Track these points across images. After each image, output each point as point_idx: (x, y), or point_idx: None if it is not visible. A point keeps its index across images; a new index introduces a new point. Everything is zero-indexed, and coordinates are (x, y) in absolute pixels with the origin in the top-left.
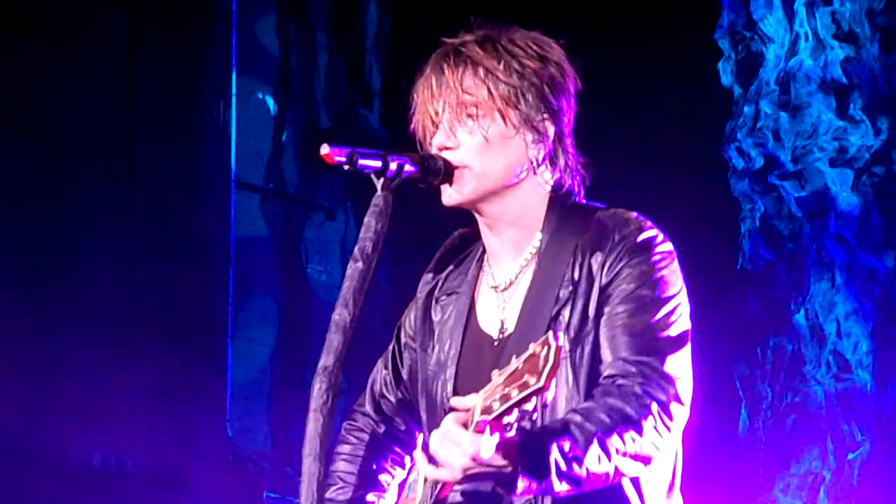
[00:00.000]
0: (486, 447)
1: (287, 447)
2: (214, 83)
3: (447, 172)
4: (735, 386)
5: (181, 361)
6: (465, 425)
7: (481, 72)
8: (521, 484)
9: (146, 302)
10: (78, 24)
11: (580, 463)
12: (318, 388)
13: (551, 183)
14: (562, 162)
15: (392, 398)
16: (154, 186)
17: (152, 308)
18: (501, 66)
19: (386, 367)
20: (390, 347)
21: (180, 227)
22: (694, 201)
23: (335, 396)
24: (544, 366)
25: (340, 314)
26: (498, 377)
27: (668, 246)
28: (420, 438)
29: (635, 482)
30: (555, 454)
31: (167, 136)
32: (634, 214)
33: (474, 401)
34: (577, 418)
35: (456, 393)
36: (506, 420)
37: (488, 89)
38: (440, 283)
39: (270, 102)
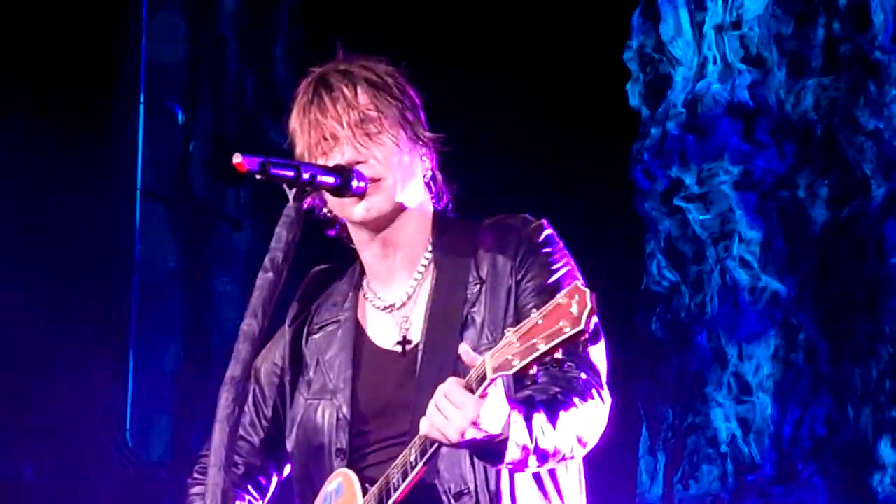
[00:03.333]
0: (489, 412)
1: (188, 458)
2: (122, 91)
3: (363, 186)
4: (636, 406)
5: (82, 369)
6: (469, 389)
7: (374, 90)
8: (510, 454)
9: (49, 310)
10: None
11: (551, 437)
12: (226, 399)
13: (433, 203)
14: (440, 181)
15: (254, 440)
16: (60, 194)
17: (54, 315)
18: (388, 88)
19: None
20: (248, 389)
21: (85, 235)
22: (600, 220)
23: (242, 406)
24: (581, 310)
25: (249, 324)
26: (512, 335)
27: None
28: (275, 481)
29: (553, 477)
30: (536, 426)
31: (74, 144)
32: (528, 215)
33: (481, 361)
34: (541, 395)
35: (355, 413)
36: (531, 372)
37: (385, 106)
38: (310, 317)
39: (178, 111)
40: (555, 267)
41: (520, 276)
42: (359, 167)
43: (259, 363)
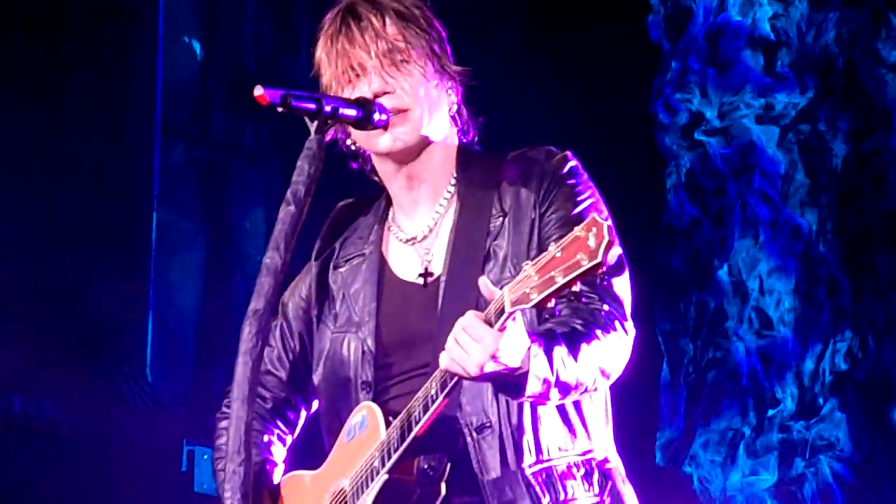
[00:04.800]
0: (508, 345)
1: (208, 395)
2: (141, 28)
3: (385, 118)
4: (657, 341)
5: (102, 305)
6: (488, 322)
7: (402, 21)
8: (531, 387)
9: (69, 246)
10: None
11: (572, 370)
12: (248, 332)
13: (458, 136)
14: (465, 115)
15: (281, 374)
16: (81, 130)
17: (74, 251)
18: (415, 20)
19: (270, 345)
20: (275, 324)
21: (105, 171)
22: (620, 155)
23: (265, 340)
24: (599, 242)
25: (272, 257)
26: (530, 268)
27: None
28: (303, 416)
29: (578, 409)
30: (557, 359)
31: (93, 81)
32: (552, 147)
33: (499, 294)
34: (562, 328)
35: (379, 346)
36: (549, 305)
37: (413, 37)
38: (336, 252)
39: (197, 47)
40: (580, 198)
41: (544, 209)
42: (386, 97)
43: (286, 298)
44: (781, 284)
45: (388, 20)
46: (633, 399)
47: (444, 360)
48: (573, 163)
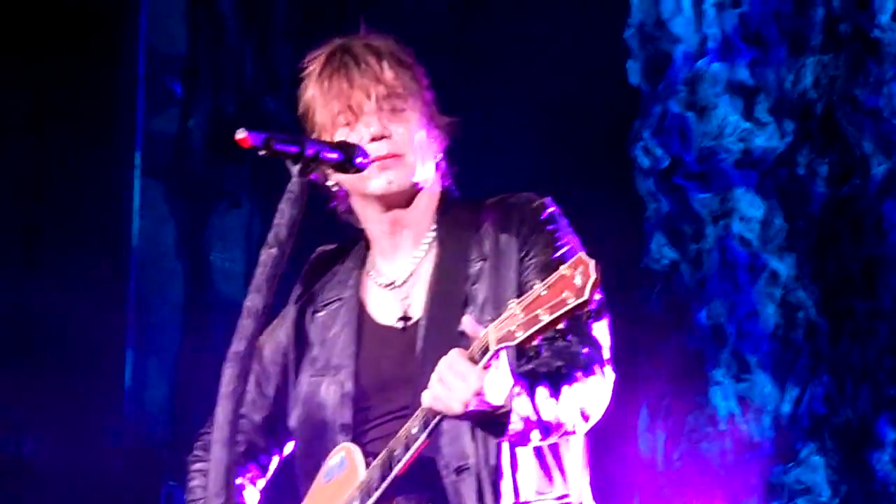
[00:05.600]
0: (492, 383)
1: (188, 434)
2: (122, 68)
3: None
4: (636, 384)
5: (81, 345)
6: (472, 360)
7: (401, 68)
8: (513, 426)
9: (49, 286)
10: None
11: (553, 410)
12: (229, 374)
13: (441, 182)
14: (445, 162)
15: (256, 417)
16: (59, 171)
17: (54, 292)
18: (411, 67)
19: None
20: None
21: (86, 210)
22: (599, 198)
23: (245, 382)
24: (585, 281)
25: (253, 300)
26: (516, 307)
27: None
28: (275, 460)
29: (555, 453)
30: (539, 399)
31: (73, 119)
32: (532, 193)
33: (484, 332)
34: (544, 370)
35: (358, 388)
36: (534, 344)
37: (409, 84)
38: (314, 297)
39: (178, 87)
40: (559, 244)
41: (523, 253)
42: (382, 142)
43: (262, 342)
44: (759, 328)
45: (385, 65)
46: (612, 441)
47: (428, 398)
48: (552, 209)
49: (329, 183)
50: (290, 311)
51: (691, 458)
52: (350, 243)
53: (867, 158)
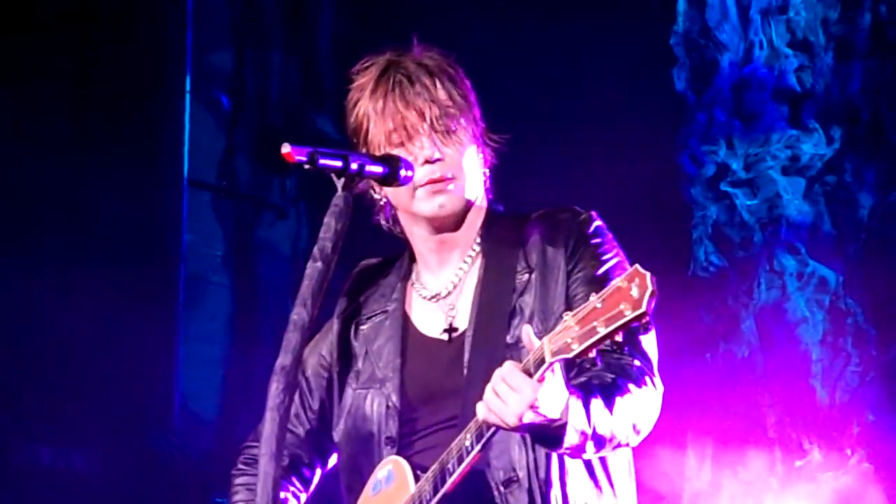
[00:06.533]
0: (547, 396)
1: (235, 448)
2: (169, 81)
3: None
4: (684, 391)
5: (131, 358)
6: (527, 372)
7: (453, 87)
8: (569, 439)
9: (99, 299)
10: (30, 23)
11: (608, 423)
12: (276, 388)
13: (488, 198)
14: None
15: (299, 430)
16: (108, 183)
17: (104, 304)
18: (463, 87)
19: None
20: (299, 379)
21: (134, 224)
22: (647, 206)
23: (292, 395)
24: (643, 293)
25: (299, 313)
26: (571, 319)
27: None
28: (318, 474)
29: (604, 464)
30: (594, 411)
31: (121, 133)
32: (577, 207)
33: (539, 344)
34: (597, 382)
35: (404, 401)
36: (591, 356)
37: (460, 102)
38: (358, 310)
39: (224, 101)
40: (605, 258)
41: (570, 267)
42: (437, 164)
43: (306, 355)
44: (808, 335)
45: (438, 83)
46: (661, 450)
47: (482, 411)
48: (598, 223)
49: (376, 196)
50: (333, 325)
51: (740, 465)
52: (393, 257)
53: None
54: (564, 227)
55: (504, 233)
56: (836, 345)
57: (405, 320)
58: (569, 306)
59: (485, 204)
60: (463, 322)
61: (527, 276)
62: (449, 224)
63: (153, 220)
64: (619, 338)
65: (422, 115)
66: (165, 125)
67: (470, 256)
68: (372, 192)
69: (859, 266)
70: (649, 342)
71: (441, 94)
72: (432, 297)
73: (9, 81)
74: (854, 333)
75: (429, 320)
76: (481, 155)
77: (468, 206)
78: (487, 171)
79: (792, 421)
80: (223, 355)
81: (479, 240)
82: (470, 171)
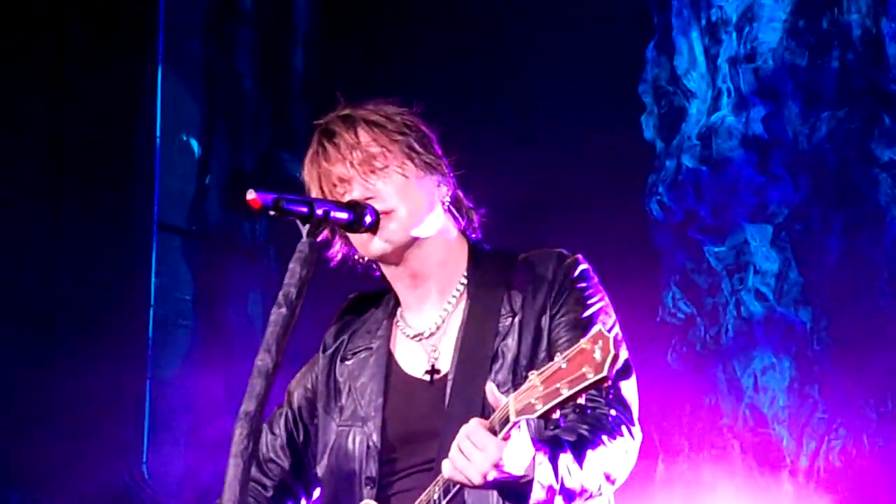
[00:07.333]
0: (512, 454)
1: (203, 490)
2: (139, 124)
3: (375, 220)
4: (652, 437)
5: (99, 401)
6: (493, 431)
7: (374, 127)
8: (535, 494)
9: (66, 342)
10: (2, 65)
11: (577, 477)
12: (240, 434)
13: (458, 228)
14: (464, 207)
15: (284, 463)
16: (77, 227)
17: (72, 348)
18: (389, 123)
19: (274, 433)
20: (280, 412)
21: (102, 267)
22: (615, 252)
23: (256, 441)
24: (605, 356)
25: (263, 359)
26: (536, 378)
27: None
28: None
29: None
30: (562, 466)
31: (90, 177)
32: (565, 250)
33: (505, 402)
34: (568, 435)
35: (384, 441)
36: (554, 416)
37: (388, 141)
38: (344, 344)
39: (195, 144)
40: (590, 302)
41: (554, 311)
42: (371, 202)
43: (292, 387)
44: (776, 382)
45: (360, 130)
46: (629, 496)
47: (448, 469)
48: (584, 266)
49: (356, 256)
50: (319, 358)
51: None
52: (384, 290)
53: (882, 212)
54: (549, 271)
55: (490, 274)
56: (803, 392)
57: (389, 358)
58: (551, 351)
59: (455, 233)
60: (445, 364)
61: (510, 319)
62: (412, 258)
63: (123, 263)
64: (581, 400)
65: (344, 164)
66: (136, 168)
67: (454, 297)
68: (336, 241)
69: (826, 313)
70: (629, 388)
71: (363, 138)
72: (415, 336)
73: None
74: (821, 380)
75: (412, 359)
76: (431, 184)
77: (421, 236)
78: (447, 198)
79: (760, 466)
80: (192, 398)
81: (463, 279)
82: (416, 201)
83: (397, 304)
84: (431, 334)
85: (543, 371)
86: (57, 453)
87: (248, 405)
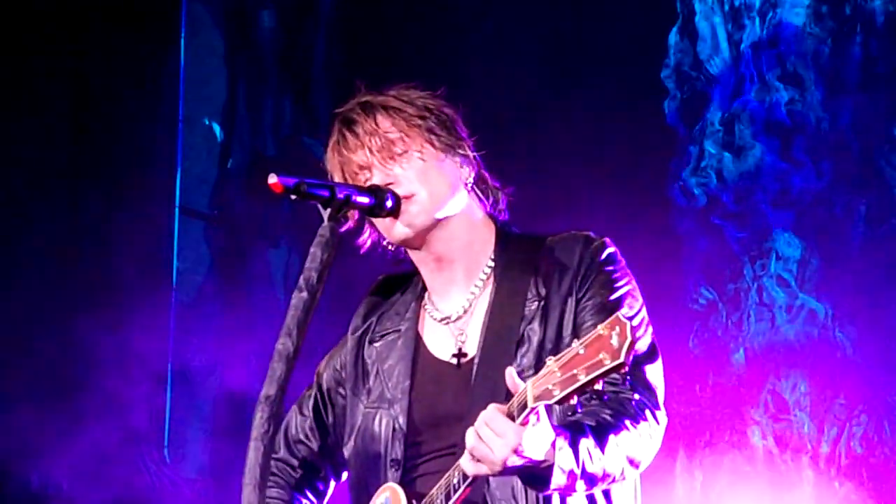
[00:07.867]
0: (531, 439)
1: (225, 475)
2: (162, 109)
3: (396, 204)
4: (674, 422)
5: (121, 385)
6: (511, 416)
7: (393, 113)
8: (556, 479)
9: (90, 325)
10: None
11: (599, 462)
12: (260, 417)
13: (483, 210)
14: (489, 188)
15: (313, 444)
16: (99, 211)
17: (95, 331)
18: (408, 108)
19: (303, 413)
20: (309, 394)
21: (124, 253)
22: (637, 238)
23: (277, 425)
24: (622, 342)
25: (284, 343)
26: (553, 364)
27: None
28: (332, 486)
29: (606, 492)
30: (583, 451)
31: (113, 161)
32: (592, 233)
33: (523, 388)
34: (590, 419)
35: (411, 423)
36: (572, 402)
37: (406, 125)
38: (372, 326)
39: (217, 129)
40: (616, 285)
41: (580, 294)
42: (391, 187)
43: (321, 368)
44: (797, 368)
45: (378, 116)
46: (650, 481)
47: (466, 457)
48: (611, 249)
49: (365, 235)
50: (348, 340)
51: (729, 497)
52: (412, 272)
53: None
54: (577, 254)
55: (517, 257)
56: (825, 378)
57: (417, 341)
58: (577, 334)
59: (480, 215)
60: (472, 348)
61: (536, 303)
62: (436, 241)
63: (145, 247)
64: (598, 386)
65: (364, 151)
66: (158, 153)
67: (481, 280)
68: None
69: (848, 299)
70: (654, 372)
71: (381, 124)
72: (443, 320)
73: (5, 108)
74: (843, 367)
75: (440, 343)
76: (458, 166)
77: (444, 218)
78: (472, 180)
79: (781, 453)
80: (213, 383)
81: (491, 262)
82: (437, 184)
83: (425, 287)
84: (459, 318)
85: (561, 357)
86: (78, 437)
87: (269, 389)
